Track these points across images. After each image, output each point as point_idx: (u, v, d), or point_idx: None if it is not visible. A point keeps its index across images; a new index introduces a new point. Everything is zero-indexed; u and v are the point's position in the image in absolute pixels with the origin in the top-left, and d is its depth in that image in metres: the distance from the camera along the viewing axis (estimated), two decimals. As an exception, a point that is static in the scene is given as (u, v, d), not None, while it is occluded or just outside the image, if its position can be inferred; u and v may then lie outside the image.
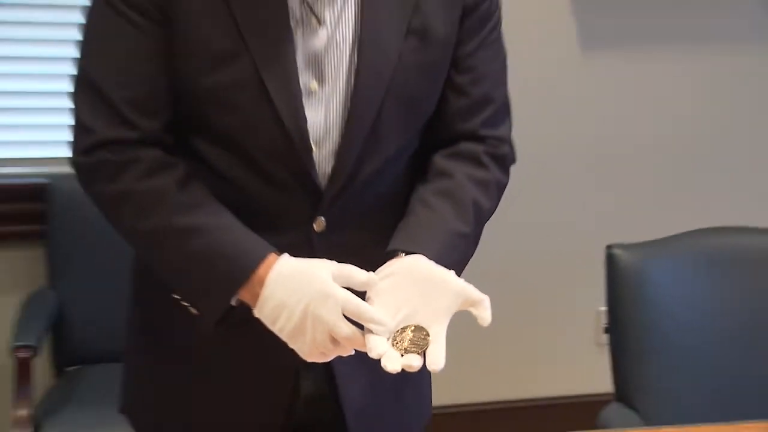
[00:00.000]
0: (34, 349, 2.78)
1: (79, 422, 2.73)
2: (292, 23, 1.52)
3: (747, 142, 3.70)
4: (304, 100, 1.53)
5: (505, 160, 1.71)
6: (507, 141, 1.72)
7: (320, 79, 1.56)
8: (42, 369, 3.01)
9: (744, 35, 3.62)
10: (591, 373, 3.51)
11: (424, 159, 1.70)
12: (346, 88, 1.57)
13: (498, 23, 1.70)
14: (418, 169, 1.70)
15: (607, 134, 3.58)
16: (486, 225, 1.69)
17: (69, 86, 1.57)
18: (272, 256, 1.48)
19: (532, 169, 3.26)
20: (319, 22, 1.54)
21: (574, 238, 3.57)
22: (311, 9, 1.53)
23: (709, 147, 3.66)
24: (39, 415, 2.75)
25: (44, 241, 3.13)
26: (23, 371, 2.76)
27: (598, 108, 3.56)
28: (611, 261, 2.20)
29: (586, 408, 2.37)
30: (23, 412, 2.70)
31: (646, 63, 3.57)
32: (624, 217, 3.57)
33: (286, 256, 1.48)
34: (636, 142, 3.61)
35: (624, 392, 2.19)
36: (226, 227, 1.53)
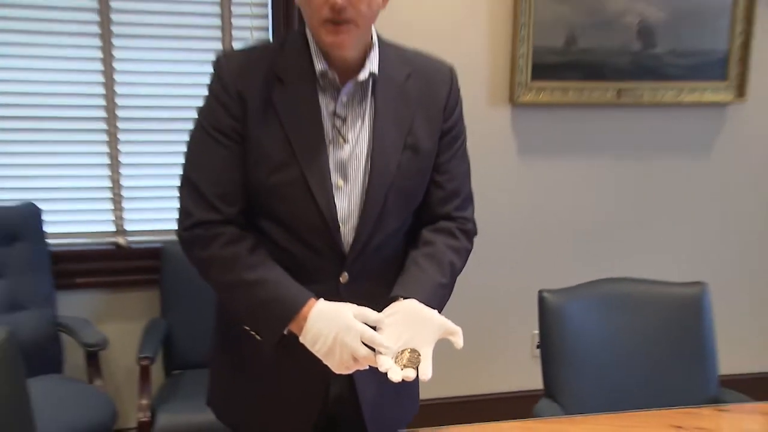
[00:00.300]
0: (151, 359, 2.81)
1: (180, 409, 2.71)
2: (327, 141, 1.55)
3: (635, 222, 3.69)
4: (334, 193, 1.55)
5: (470, 233, 1.73)
6: (471, 220, 1.74)
7: (345, 178, 1.57)
8: (157, 372, 3.01)
9: (631, 150, 3.63)
10: (528, 377, 3.54)
11: (415, 232, 1.70)
12: (363, 185, 1.58)
13: (464, 140, 1.73)
14: (411, 240, 1.70)
15: (538, 213, 3.57)
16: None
17: (176, 183, 1.60)
18: (312, 300, 1.50)
19: (489, 238, 3.26)
20: (345, 140, 1.57)
21: (518, 284, 3.55)
22: (339, 132, 1.56)
23: (609, 224, 3.65)
24: (154, 403, 2.75)
25: (159, 286, 3.13)
26: (144, 373, 2.79)
27: (531, 196, 3.55)
28: (541, 300, 2.20)
29: (524, 402, 2.35)
30: (144, 401, 2.72)
31: (564, 165, 3.57)
32: (551, 271, 3.57)
33: (321, 300, 1.51)
34: (558, 219, 3.60)
35: (551, 391, 2.17)
36: (279, 280, 1.53)
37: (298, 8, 1.58)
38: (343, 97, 1.57)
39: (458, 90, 1.70)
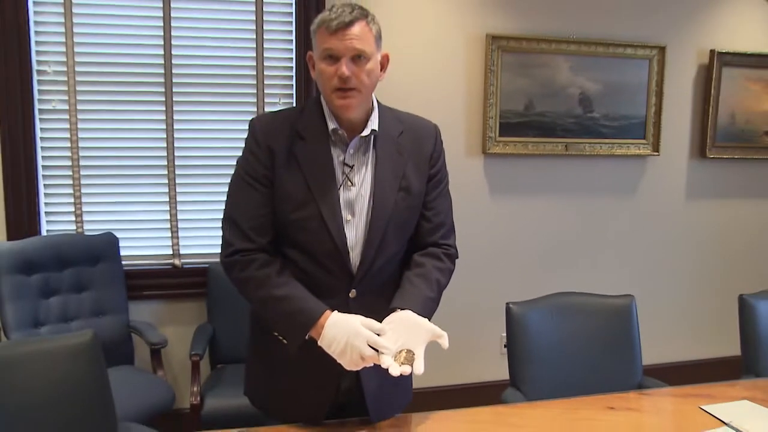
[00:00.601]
0: (200, 355, 2.79)
1: (223, 395, 2.68)
2: (338, 184, 1.56)
3: (580, 246, 3.69)
4: (344, 225, 1.55)
5: (453, 257, 1.72)
6: (454, 246, 1.73)
7: (353, 214, 1.57)
8: (204, 366, 2.97)
9: (576, 190, 3.65)
10: (497, 370, 3.49)
11: (408, 257, 1.69)
12: (366, 219, 1.58)
13: (447, 182, 1.73)
14: (405, 263, 1.69)
15: (505, 241, 3.56)
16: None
17: (220, 218, 1.61)
18: (328, 311, 1.50)
19: (468, 261, 3.26)
20: (352, 184, 1.57)
21: (490, 297, 3.54)
22: (348, 177, 1.57)
23: (560, 249, 3.65)
24: (203, 390, 2.72)
25: (206, 298, 3.11)
26: (195, 367, 2.76)
27: (500, 227, 3.55)
28: (508, 310, 2.19)
29: (494, 390, 2.31)
30: (195, 389, 2.69)
31: (525, 202, 3.57)
32: (515, 286, 3.56)
33: (335, 312, 1.50)
34: (521, 246, 3.59)
35: (515, 381, 2.15)
36: (302, 295, 1.53)
37: (315, 81, 1.60)
38: (351, 150, 1.58)
39: (441, 143, 1.71)
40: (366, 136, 1.59)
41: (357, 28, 1.48)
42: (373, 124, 1.60)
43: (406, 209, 1.62)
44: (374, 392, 1.65)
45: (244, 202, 1.57)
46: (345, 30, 1.47)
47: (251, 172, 1.56)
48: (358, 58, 1.49)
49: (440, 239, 1.70)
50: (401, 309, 1.53)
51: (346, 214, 1.57)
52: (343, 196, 1.57)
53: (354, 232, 1.58)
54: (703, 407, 1.80)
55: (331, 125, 1.57)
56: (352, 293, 1.59)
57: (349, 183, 1.57)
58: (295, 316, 1.50)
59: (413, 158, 1.64)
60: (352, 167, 1.58)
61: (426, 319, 1.52)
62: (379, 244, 1.58)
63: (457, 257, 1.74)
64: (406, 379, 1.72)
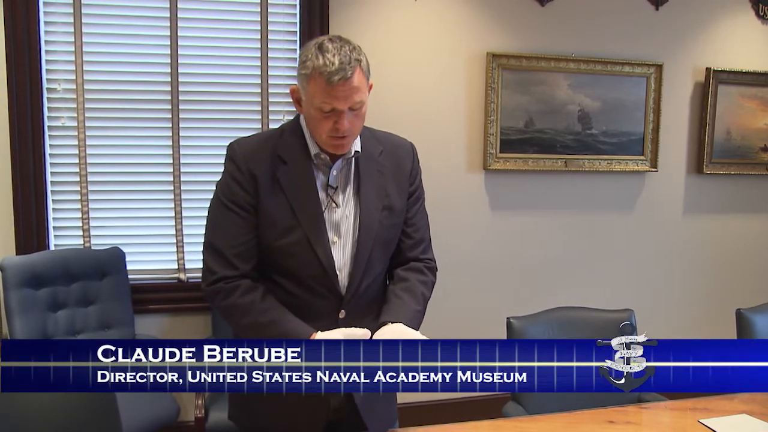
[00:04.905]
0: (205, 370, 2.77)
1: (226, 408, 2.64)
2: (323, 207, 1.55)
3: (579, 261, 3.68)
4: (331, 247, 1.55)
5: (434, 270, 1.72)
6: (434, 260, 1.73)
7: (339, 235, 1.57)
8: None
9: (575, 206, 3.65)
10: (497, 382, 3.48)
11: (390, 272, 1.69)
12: (353, 240, 1.58)
13: (424, 199, 1.73)
14: (388, 278, 1.70)
15: (505, 255, 3.54)
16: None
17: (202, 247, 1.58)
18: (313, 333, 1.48)
19: (468, 275, 3.27)
20: (337, 205, 1.57)
21: (491, 310, 3.46)
22: (332, 199, 1.56)
23: (560, 263, 3.64)
24: (207, 403, 2.71)
25: (210, 312, 3.11)
26: (199, 381, 2.75)
27: (500, 241, 3.52)
28: (509, 325, 2.20)
29: (494, 403, 2.30)
30: (200, 402, 2.68)
31: (525, 217, 3.56)
32: (515, 299, 3.53)
33: (319, 332, 1.49)
34: (521, 260, 3.57)
35: (516, 395, 2.14)
36: (287, 320, 1.51)
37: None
38: (334, 172, 1.57)
39: (418, 161, 1.71)
40: (349, 157, 1.59)
41: (356, 79, 1.46)
42: (356, 145, 1.59)
43: (390, 227, 1.63)
44: (364, 402, 1.62)
45: (227, 228, 1.55)
46: (345, 83, 1.45)
47: (233, 198, 1.54)
48: (356, 105, 1.50)
49: (421, 254, 1.70)
50: (392, 323, 1.53)
51: (332, 236, 1.56)
52: (329, 218, 1.56)
53: (341, 253, 1.57)
54: (701, 421, 1.79)
55: (313, 150, 1.56)
56: (342, 314, 1.58)
57: (334, 204, 1.57)
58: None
59: (394, 177, 1.64)
60: (335, 189, 1.58)
61: (417, 331, 1.51)
62: (366, 263, 1.58)
63: (437, 270, 1.74)
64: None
